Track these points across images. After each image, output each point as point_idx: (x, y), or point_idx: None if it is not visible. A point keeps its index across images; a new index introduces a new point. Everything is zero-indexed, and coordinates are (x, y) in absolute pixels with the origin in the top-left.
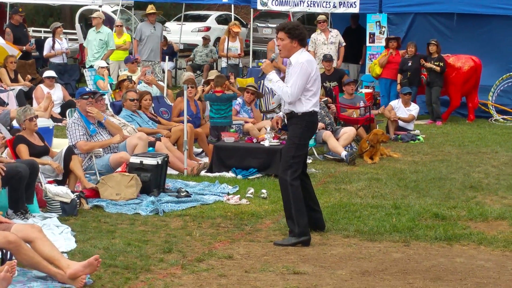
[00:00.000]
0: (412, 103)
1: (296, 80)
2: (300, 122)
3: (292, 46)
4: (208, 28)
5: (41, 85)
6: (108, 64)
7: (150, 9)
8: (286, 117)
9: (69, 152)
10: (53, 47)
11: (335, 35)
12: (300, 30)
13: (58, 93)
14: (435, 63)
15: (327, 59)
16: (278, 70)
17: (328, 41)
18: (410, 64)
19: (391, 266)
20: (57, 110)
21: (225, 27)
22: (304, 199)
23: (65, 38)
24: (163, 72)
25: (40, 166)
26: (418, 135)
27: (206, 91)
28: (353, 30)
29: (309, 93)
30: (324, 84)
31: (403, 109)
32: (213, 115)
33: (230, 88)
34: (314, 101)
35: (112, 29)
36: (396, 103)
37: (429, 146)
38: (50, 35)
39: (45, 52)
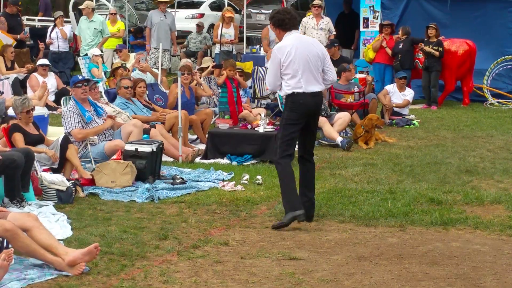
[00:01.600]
0: (407, 88)
1: (269, 69)
2: (286, 104)
3: (277, 33)
4: (201, 15)
5: (35, 74)
6: (102, 52)
7: None
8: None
9: (66, 141)
10: (50, 36)
11: (326, 22)
12: (276, 17)
13: (51, 81)
14: (434, 47)
15: (331, 45)
16: None
17: (318, 27)
18: (401, 46)
19: (387, 251)
20: (51, 98)
21: (219, 13)
22: (300, 182)
23: (71, 27)
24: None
25: (35, 154)
26: (413, 120)
27: (221, 81)
28: (346, 15)
29: (286, 77)
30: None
31: (398, 94)
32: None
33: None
34: (293, 83)
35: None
36: (391, 88)
37: (424, 130)
38: (44, 23)
39: (47, 40)
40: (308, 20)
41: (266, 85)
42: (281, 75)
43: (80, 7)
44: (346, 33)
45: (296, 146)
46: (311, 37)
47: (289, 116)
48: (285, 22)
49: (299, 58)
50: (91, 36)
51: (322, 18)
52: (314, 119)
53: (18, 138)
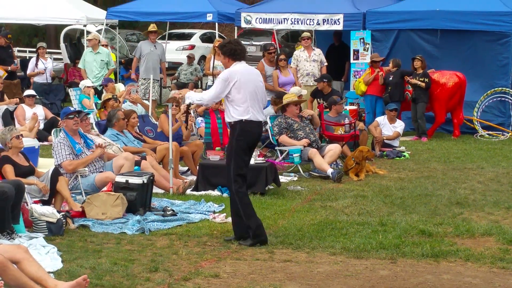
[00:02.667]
0: (398, 120)
1: (215, 86)
2: (233, 132)
3: (225, 62)
4: (192, 47)
5: (23, 105)
6: (93, 83)
7: (152, 27)
8: (229, 126)
9: (56, 173)
10: (36, 66)
11: (318, 54)
12: (228, 46)
13: (39, 111)
14: (420, 79)
15: (320, 80)
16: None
17: (310, 59)
18: (391, 78)
19: (378, 284)
20: (40, 127)
21: (210, 45)
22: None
23: (50, 58)
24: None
25: (26, 186)
26: (404, 152)
27: (201, 110)
28: (336, 47)
29: (235, 102)
30: (318, 100)
31: (388, 126)
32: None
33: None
34: (242, 110)
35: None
36: (382, 120)
37: (415, 162)
38: (35, 55)
39: (28, 71)
40: (300, 53)
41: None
42: (227, 97)
43: (87, 38)
44: (336, 65)
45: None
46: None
47: (238, 145)
48: (237, 53)
49: (248, 86)
50: (98, 68)
51: (313, 49)
52: (255, 145)
53: (9, 170)
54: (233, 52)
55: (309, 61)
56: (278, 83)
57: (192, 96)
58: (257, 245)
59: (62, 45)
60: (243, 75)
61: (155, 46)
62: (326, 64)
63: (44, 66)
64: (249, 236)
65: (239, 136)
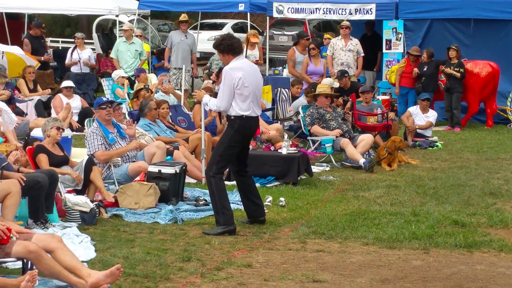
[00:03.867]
0: (430, 110)
1: (223, 90)
2: (231, 124)
3: (225, 59)
4: None
5: (60, 95)
6: (126, 73)
7: (182, 17)
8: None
9: (90, 163)
10: (71, 56)
11: (355, 44)
12: (224, 43)
13: (76, 102)
14: (455, 69)
15: (341, 76)
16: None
17: (346, 48)
18: (425, 69)
19: (411, 274)
20: (75, 118)
21: (242, 35)
22: (244, 192)
23: (90, 49)
24: (192, 80)
25: (59, 176)
26: (436, 142)
27: None
28: (368, 37)
29: (238, 98)
30: (342, 97)
31: (421, 116)
32: None
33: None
34: (245, 106)
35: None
36: (414, 110)
37: (448, 152)
38: (67, 45)
39: (66, 61)
40: (337, 41)
41: (289, 108)
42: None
43: (122, 28)
44: (368, 55)
45: None
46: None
47: (233, 137)
48: (234, 47)
49: (249, 82)
50: (132, 58)
51: (351, 39)
52: (250, 139)
53: (43, 159)
54: (230, 47)
55: (344, 51)
56: (306, 71)
57: (210, 104)
58: (225, 234)
59: (94, 35)
60: (246, 71)
61: (186, 36)
62: (362, 54)
63: (79, 56)
64: (219, 223)
65: (237, 130)
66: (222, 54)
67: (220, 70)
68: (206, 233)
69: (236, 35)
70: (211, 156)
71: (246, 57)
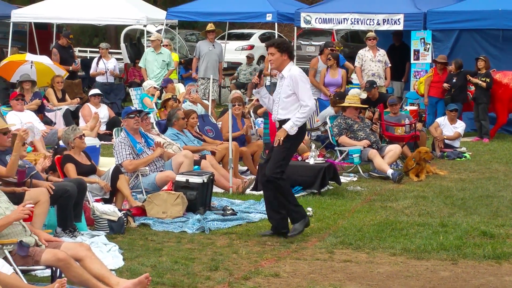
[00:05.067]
0: (458, 120)
1: (305, 89)
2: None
3: (282, 59)
4: (251, 47)
5: (88, 104)
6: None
7: (209, 27)
8: (279, 124)
9: (117, 171)
10: (97, 66)
11: (382, 54)
12: (288, 44)
13: (104, 111)
14: (482, 78)
15: (370, 88)
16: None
17: (375, 59)
18: (454, 80)
19: (439, 285)
20: (102, 128)
21: None
22: (275, 201)
23: (115, 58)
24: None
25: (87, 184)
26: (465, 153)
27: (261, 112)
28: (396, 47)
29: (297, 102)
30: (370, 109)
31: (449, 126)
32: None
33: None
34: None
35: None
36: (442, 120)
37: (476, 163)
38: (95, 55)
39: (91, 71)
40: (365, 53)
41: (316, 118)
42: (293, 101)
43: (150, 38)
44: (396, 65)
45: None
46: None
47: (296, 142)
48: (291, 51)
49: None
50: (159, 68)
51: (378, 50)
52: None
53: (71, 168)
54: (290, 51)
55: (374, 61)
56: (324, 82)
57: (297, 121)
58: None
59: (122, 45)
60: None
61: (213, 45)
62: (389, 65)
63: (105, 66)
64: (296, 220)
65: (299, 135)
66: (281, 53)
67: (261, 72)
68: (291, 235)
69: (263, 45)
70: (273, 162)
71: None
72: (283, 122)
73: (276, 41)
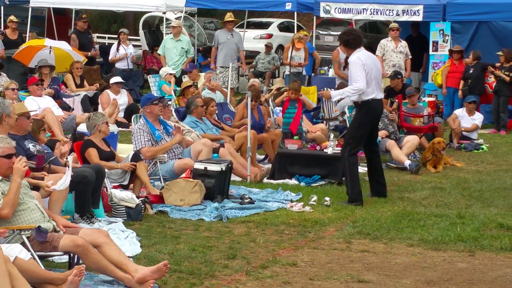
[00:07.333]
0: (476, 112)
1: (359, 75)
2: (360, 109)
3: (346, 50)
4: (270, 36)
5: (107, 91)
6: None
7: (229, 17)
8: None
9: (136, 157)
10: (117, 51)
11: (404, 46)
12: (342, 37)
13: (123, 98)
14: (506, 72)
15: (394, 77)
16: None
17: (397, 50)
18: (471, 71)
19: (456, 276)
20: (120, 114)
21: (287, 34)
22: (370, 172)
23: (132, 45)
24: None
25: (106, 171)
26: (482, 144)
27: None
28: (414, 38)
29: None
30: (391, 99)
31: (467, 118)
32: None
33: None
34: (369, 90)
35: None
36: (460, 112)
37: (493, 155)
38: (114, 41)
39: (110, 57)
40: (387, 43)
41: (335, 108)
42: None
43: (170, 25)
44: (414, 56)
45: None
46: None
47: (364, 120)
48: (349, 42)
49: (370, 69)
50: (178, 55)
51: (400, 41)
52: (379, 119)
53: (93, 153)
54: (346, 42)
55: (395, 52)
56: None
57: (345, 93)
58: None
59: (141, 32)
60: (365, 60)
61: (232, 34)
62: (410, 57)
63: (126, 51)
64: (349, 199)
65: (366, 114)
66: (342, 47)
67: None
68: (340, 203)
69: (282, 34)
70: (344, 139)
71: (291, 58)
72: (356, 103)
73: (339, 35)
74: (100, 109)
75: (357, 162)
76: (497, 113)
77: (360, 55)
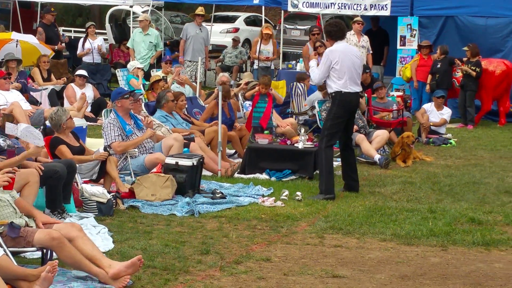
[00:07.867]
0: (444, 107)
1: (320, 68)
2: (333, 100)
3: (328, 43)
4: (236, 30)
5: (72, 84)
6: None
7: (199, 11)
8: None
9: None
10: (83, 46)
11: (366, 40)
12: (326, 28)
13: (89, 92)
14: (472, 67)
15: (363, 72)
16: None
17: (359, 44)
18: (439, 66)
19: (430, 271)
20: (88, 109)
21: (254, 28)
22: (344, 168)
23: (102, 38)
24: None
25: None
26: (450, 139)
27: (249, 94)
28: (374, 32)
29: (336, 75)
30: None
31: (435, 113)
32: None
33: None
34: (341, 83)
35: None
36: (428, 107)
37: (461, 150)
38: (80, 34)
39: (78, 52)
40: (350, 37)
41: (304, 102)
42: (329, 74)
43: (138, 19)
44: (375, 49)
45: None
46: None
47: (337, 112)
48: (331, 34)
49: (344, 62)
50: (146, 49)
51: (362, 35)
52: (354, 113)
53: (65, 149)
54: (328, 34)
55: (358, 47)
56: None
57: (311, 69)
58: (327, 199)
59: (107, 25)
60: (342, 53)
61: (200, 29)
62: (371, 52)
63: (91, 45)
64: (321, 191)
65: (339, 105)
66: (326, 38)
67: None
68: (311, 198)
69: (248, 28)
70: (321, 132)
71: (259, 52)
72: (330, 95)
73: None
74: (66, 103)
75: (332, 156)
76: (464, 108)
77: (334, 48)
